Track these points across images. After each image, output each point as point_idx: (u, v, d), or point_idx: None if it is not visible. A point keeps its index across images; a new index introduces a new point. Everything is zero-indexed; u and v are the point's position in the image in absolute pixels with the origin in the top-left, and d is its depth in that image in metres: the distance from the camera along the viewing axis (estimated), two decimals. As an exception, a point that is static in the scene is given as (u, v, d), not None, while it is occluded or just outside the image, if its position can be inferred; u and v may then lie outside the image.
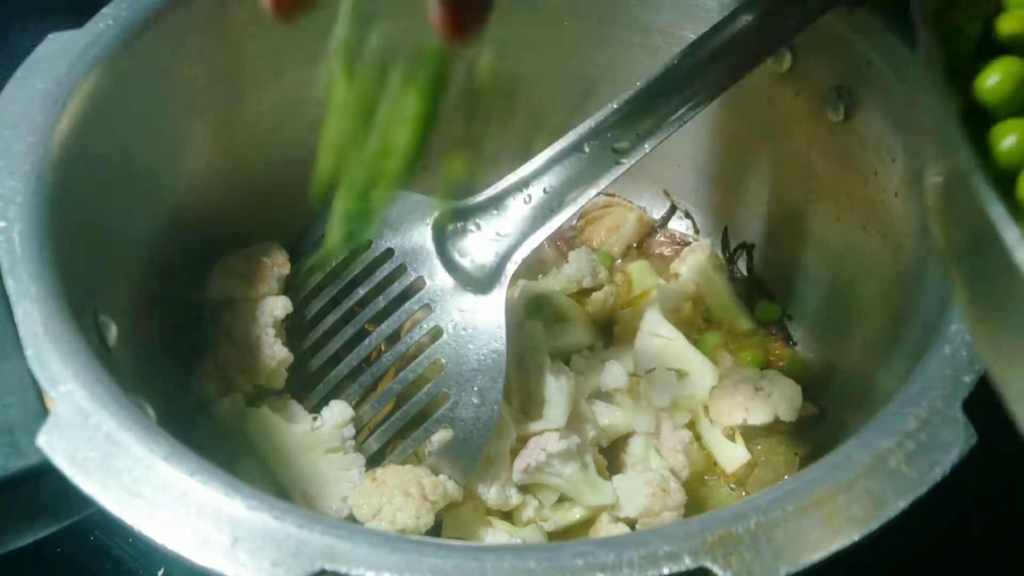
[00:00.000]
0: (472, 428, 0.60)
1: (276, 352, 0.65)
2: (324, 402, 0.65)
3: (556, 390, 0.64)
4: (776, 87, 0.71)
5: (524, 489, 0.64)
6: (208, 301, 0.68)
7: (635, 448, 0.66)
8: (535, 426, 0.64)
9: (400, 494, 0.58)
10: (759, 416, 0.68)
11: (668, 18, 0.73)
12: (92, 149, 0.55)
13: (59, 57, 0.55)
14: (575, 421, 0.65)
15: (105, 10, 0.59)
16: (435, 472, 0.61)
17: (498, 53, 0.78)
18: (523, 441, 0.64)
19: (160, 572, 0.69)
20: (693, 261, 0.78)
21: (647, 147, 0.62)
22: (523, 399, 0.66)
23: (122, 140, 0.59)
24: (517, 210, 0.64)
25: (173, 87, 0.64)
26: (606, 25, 0.76)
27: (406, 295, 0.64)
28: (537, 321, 0.70)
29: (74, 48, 0.56)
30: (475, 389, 0.60)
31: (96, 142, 0.56)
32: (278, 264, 0.69)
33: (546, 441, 0.62)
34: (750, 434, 0.69)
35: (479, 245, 0.64)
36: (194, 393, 0.66)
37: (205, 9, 0.64)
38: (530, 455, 0.62)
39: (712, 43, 0.64)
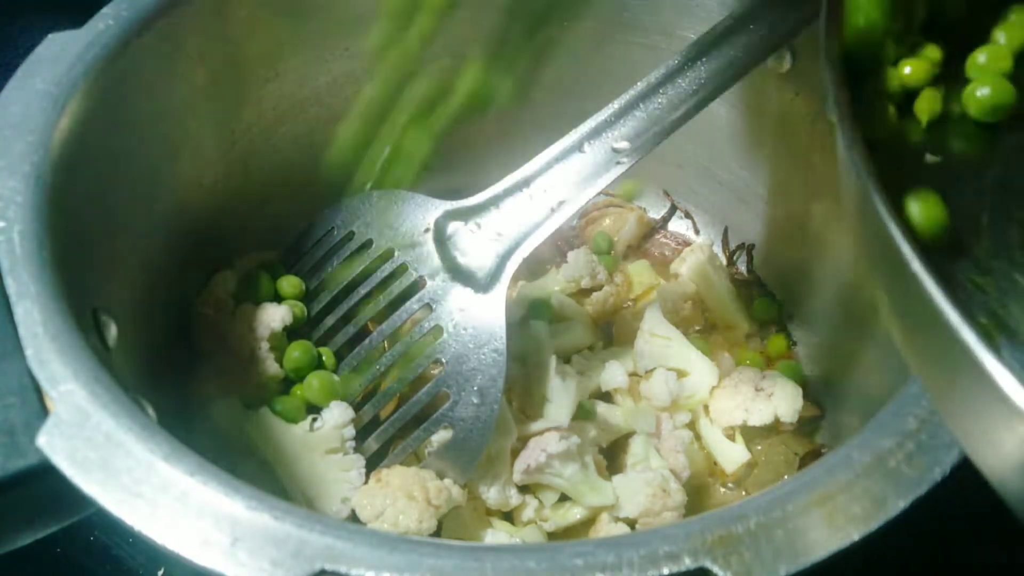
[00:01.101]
0: (472, 427, 0.60)
1: (268, 367, 0.65)
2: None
3: (561, 390, 0.64)
4: (776, 87, 0.71)
5: (524, 489, 0.64)
6: (206, 306, 0.68)
7: (636, 448, 0.66)
8: (536, 425, 0.64)
9: (404, 497, 0.58)
10: (759, 417, 0.68)
11: (668, 18, 0.74)
12: (92, 149, 0.55)
13: (59, 57, 0.55)
14: (575, 421, 0.65)
15: (105, 10, 0.59)
16: (438, 475, 0.61)
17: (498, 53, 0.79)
18: (524, 441, 0.64)
19: (160, 572, 0.69)
20: (693, 261, 0.78)
21: (647, 147, 0.62)
22: (523, 398, 0.66)
23: (122, 140, 0.59)
24: (517, 210, 0.64)
25: (173, 87, 0.64)
26: (606, 25, 0.76)
27: (407, 295, 0.64)
28: (541, 321, 0.70)
29: (74, 48, 0.56)
30: (475, 388, 0.60)
31: (96, 142, 0.56)
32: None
33: (546, 441, 0.62)
34: (750, 434, 0.69)
35: (479, 245, 0.64)
36: (194, 393, 0.66)
37: (205, 9, 0.64)
38: (530, 455, 0.62)
39: (711, 43, 0.64)
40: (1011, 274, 0.38)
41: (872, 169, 0.36)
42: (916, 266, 0.33)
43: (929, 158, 0.42)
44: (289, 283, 0.70)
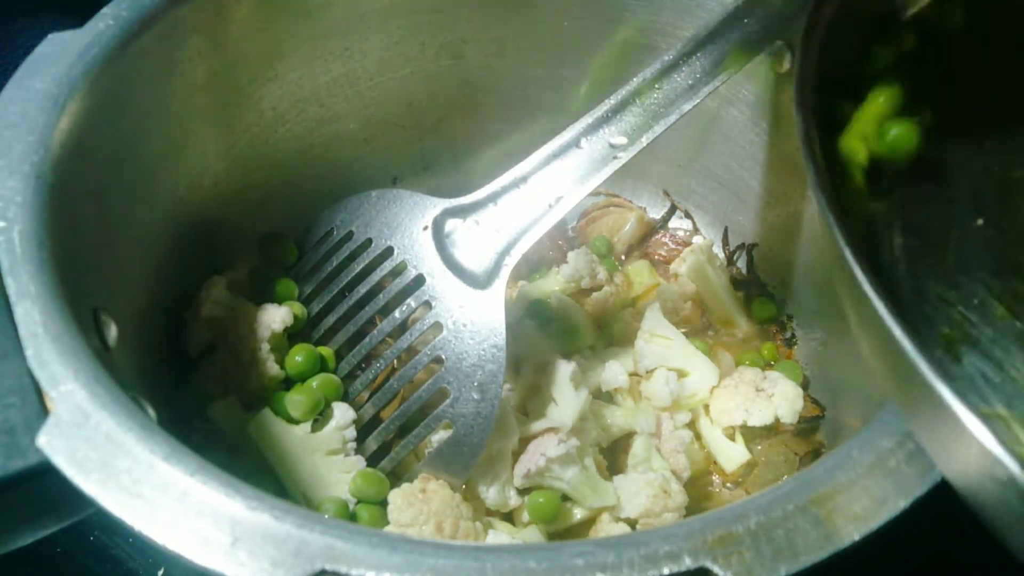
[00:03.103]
0: (472, 423, 0.60)
1: (268, 369, 0.65)
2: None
3: (568, 392, 0.64)
4: (776, 87, 0.71)
5: (525, 490, 0.64)
6: (198, 310, 0.68)
7: (637, 448, 0.66)
8: (538, 425, 0.63)
9: (434, 524, 0.57)
10: (759, 417, 0.68)
11: (668, 18, 0.74)
12: (92, 149, 0.55)
13: (59, 57, 0.55)
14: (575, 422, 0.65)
15: (105, 10, 0.59)
16: (434, 474, 0.61)
17: (499, 52, 0.79)
18: (526, 441, 0.63)
19: (160, 572, 0.69)
20: (693, 261, 0.78)
21: (643, 141, 0.63)
22: (526, 399, 0.66)
23: (122, 140, 0.59)
24: (515, 206, 0.64)
25: (173, 87, 0.64)
26: (606, 25, 0.76)
27: (406, 292, 0.64)
28: (529, 322, 0.70)
29: (74, 48, 0.56)
30: (475, 384, 0.60)
31: (96, 142, 0.56)
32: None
33: (545, 445, 0.62)
34: (750, 434, 0.70)
35: (478, 241, 0.64)
36: (195, 393, 0.66)
37: (205, 9, 0.64)
38: (530, 460, 0.62)
39: (705, 38, 0.65)
40: (973, 287, 0.39)
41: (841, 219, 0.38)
42: (872, 296, 0.35)
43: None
44: (284, 286, 0.70)
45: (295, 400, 0.62)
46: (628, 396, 0.69)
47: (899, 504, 0.41)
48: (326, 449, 0.62)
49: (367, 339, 0.65)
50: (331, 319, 0.68)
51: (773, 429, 0.69)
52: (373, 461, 0.63)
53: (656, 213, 0.86)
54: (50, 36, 0.57)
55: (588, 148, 0.63)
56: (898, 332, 0.34)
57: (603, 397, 0.70)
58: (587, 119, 0.64)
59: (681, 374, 0.70)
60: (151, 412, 0.47)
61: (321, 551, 0.39)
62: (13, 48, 0.81)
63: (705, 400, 0.70)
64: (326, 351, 0.67)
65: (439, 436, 0.62)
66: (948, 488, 0.42)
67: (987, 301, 0.41)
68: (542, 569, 0.38)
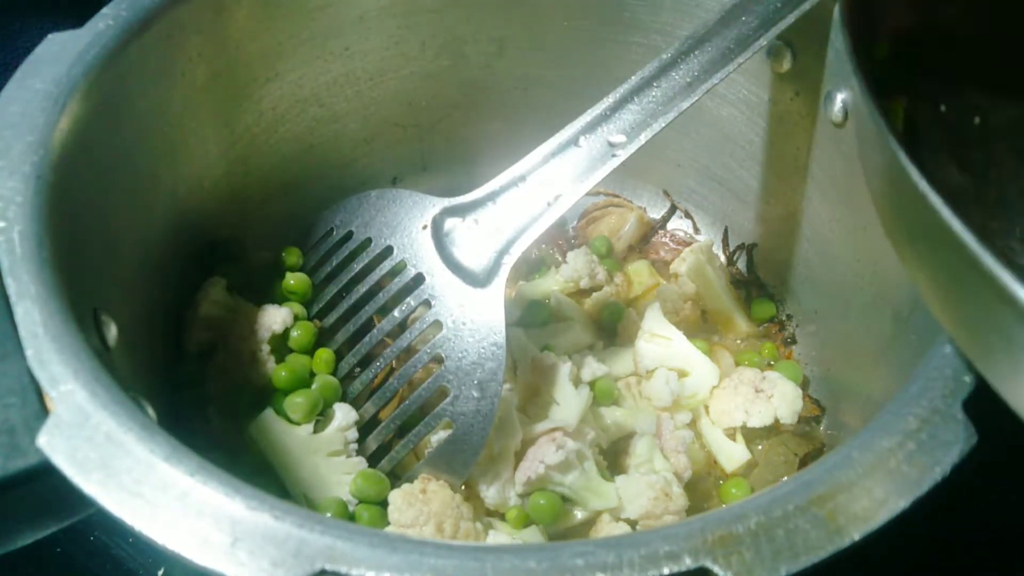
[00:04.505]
0: (472, 422, 0.60)
1: (268, 370, 0.65)
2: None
3: (570, 393, 0.64)
4: (776, 87, 0.71)
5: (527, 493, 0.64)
6: (198, 310, 0.68)
7: (640, 449, 0.65)
8: (540, 426, 0.63)
9: (434, 525, 0.57)
10: (759, 418, 0.68)
11: (668, 18, 0.74)
12: (92, 149, 0.55)
13: (59, 57, 0.55)
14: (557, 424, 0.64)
15: (105, 10, 0.59)
16: (434, 473, 0.61)
17: (499, 52, 0.79)
18: (530, 441, 0.63)
19: (160, 572, 0.69)
20: (693, 261, 0.78)
21: (642, 139, 0.63)
22: (527, 399, 0.65)
23: (122, 140, 0.59)
24: (514, 205, 0.64)
25: (173, 87, 0.64)
26: (606, 25, 0.76)
27: (406, 291, 0.64)
28: (528, 322, 0.70)
29: (74, 48, 0.56)
30: (475, 383, 0.60)
31: (96, 142, 0.56)
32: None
33: (543, 453, 0.61)
34: (751, 434, 0.70)
35: (477, 240, 0.64)
36: (195, 393, 0.66)
37: (205, 9, 0.64)
38: (529, 468, 0.61)
39: (704, 35, 0.65)
40: (1014, 219, 0.39)
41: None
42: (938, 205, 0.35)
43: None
44: (296, 280, 0.69)
45: (294, 402, 0.62)
46: (628, 396, 0.69)
47: (899, 504, 0.41)
48: (328, 450, 0.62)
49: (367, 338, 0.65)
50: (331, 319, 0.68)
51: (773, 429, 0.69)
52: (373, 460, 0.63)
53: (656, 213, 0.86)
54: (50, 36, 0.57)
55: (587, 146, 0.63)
56: (957, 224, 0.33)
57: (603, 399, 0.70)
58: (586, 117, 0.64)
59: (681, 374, 0.70)
60: (151, 412, 0.47)
61: (321, 551, 0.39)
62: (13, 48, 0.81)
63: (705, 400, 0.70)
64: (326, 351, 0.67)
65: (439, 435, 0.62)
66: (948, 488, 0.42)
67: None
68: (542, 569, 0.38)
